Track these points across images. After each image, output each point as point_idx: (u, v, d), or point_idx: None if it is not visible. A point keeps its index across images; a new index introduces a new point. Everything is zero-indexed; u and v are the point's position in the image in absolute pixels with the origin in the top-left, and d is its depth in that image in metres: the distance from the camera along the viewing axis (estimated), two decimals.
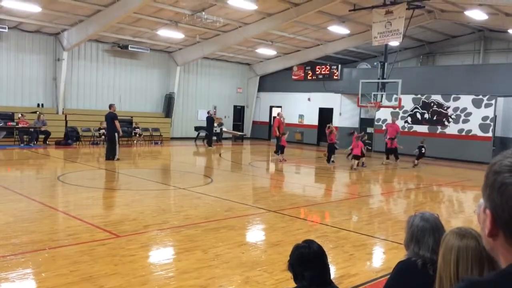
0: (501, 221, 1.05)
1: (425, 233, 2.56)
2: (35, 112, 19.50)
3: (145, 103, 24.35)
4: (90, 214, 7.73)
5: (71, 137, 19.77)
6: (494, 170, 1.06)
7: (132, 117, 22.87)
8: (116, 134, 15.08)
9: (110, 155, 15.06)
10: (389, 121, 19.47)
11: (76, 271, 4.97)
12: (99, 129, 19.98)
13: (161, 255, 5.98)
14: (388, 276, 2.73)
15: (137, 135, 21.87)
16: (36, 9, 17.04)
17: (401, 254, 2.87)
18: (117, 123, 15.09)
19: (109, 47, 22.39)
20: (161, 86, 24.90)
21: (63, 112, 20.91)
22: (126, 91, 23.47)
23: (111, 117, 15.14)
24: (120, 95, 23.10)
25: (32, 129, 18.69)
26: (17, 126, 18.48)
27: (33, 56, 20.33)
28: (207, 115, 23.28)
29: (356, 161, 15.69)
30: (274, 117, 20.60)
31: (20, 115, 18.65)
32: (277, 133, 18.33)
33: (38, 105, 20.55)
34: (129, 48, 21.94)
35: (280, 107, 28.07)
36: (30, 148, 17.81)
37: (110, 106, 15.64)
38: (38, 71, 20.54)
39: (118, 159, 14.98)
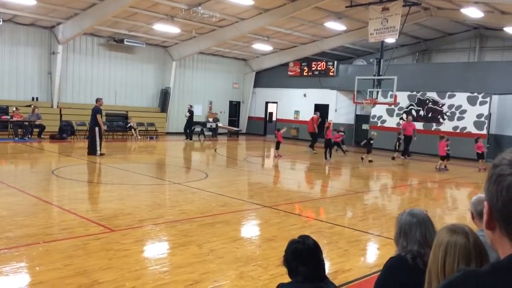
0: (496, 212, 1.08)
1: (411, 227, 2.62)
2: (29, 106, 19.39)
3: (140, 98, 24.26)
4: (84, 208, 7.72)
5: (65, 131, 19.68)
6: (494, 164, 1.11)
7: (127, 111, 22.80)
8: (96, 129, 14.72)
9: (92, 150, 14.67)
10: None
11: (70, 265, 4.97)
12: None
13: (156, 249, 5.98)
14: (379, 273, 2.74)
15: (132, 129, 21.78)
16: (31, 1, 16.91)
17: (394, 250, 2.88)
18: (99, 118, 14.77)
19: (105, 41, 22.27)
20: (157, 81, 24.81)
21: (57, 106, 20.81)
22: (121, 85, 23.36)
23: (94, 111, 14.89)
24: (115, 89, 23.01)
25: (26, 123, 18.60)
26: (11, 120, 18.38)
27: (28, 49, 20.19)
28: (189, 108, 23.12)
29: (440, 161, 15.93)
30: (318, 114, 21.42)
31: (14, 109, 18.55)
32: (314, 129, 19.54)
33: (33, 98, 20.44)
34: (125, 42, 21.80)
35: (276, 103, 28.09)
36: (25, 142, 17.73)
37: (97, 100, 15.39)
38: (33, 65, 20.41)
39: (101, 154, 14.56)
